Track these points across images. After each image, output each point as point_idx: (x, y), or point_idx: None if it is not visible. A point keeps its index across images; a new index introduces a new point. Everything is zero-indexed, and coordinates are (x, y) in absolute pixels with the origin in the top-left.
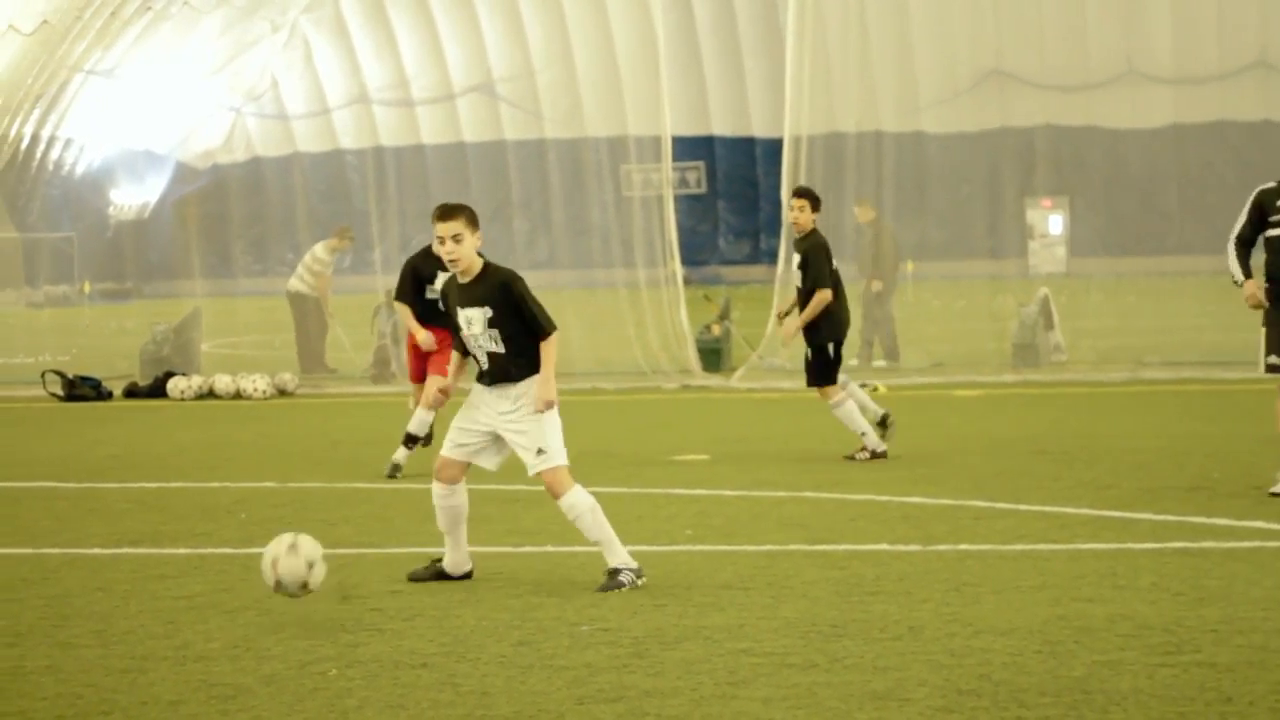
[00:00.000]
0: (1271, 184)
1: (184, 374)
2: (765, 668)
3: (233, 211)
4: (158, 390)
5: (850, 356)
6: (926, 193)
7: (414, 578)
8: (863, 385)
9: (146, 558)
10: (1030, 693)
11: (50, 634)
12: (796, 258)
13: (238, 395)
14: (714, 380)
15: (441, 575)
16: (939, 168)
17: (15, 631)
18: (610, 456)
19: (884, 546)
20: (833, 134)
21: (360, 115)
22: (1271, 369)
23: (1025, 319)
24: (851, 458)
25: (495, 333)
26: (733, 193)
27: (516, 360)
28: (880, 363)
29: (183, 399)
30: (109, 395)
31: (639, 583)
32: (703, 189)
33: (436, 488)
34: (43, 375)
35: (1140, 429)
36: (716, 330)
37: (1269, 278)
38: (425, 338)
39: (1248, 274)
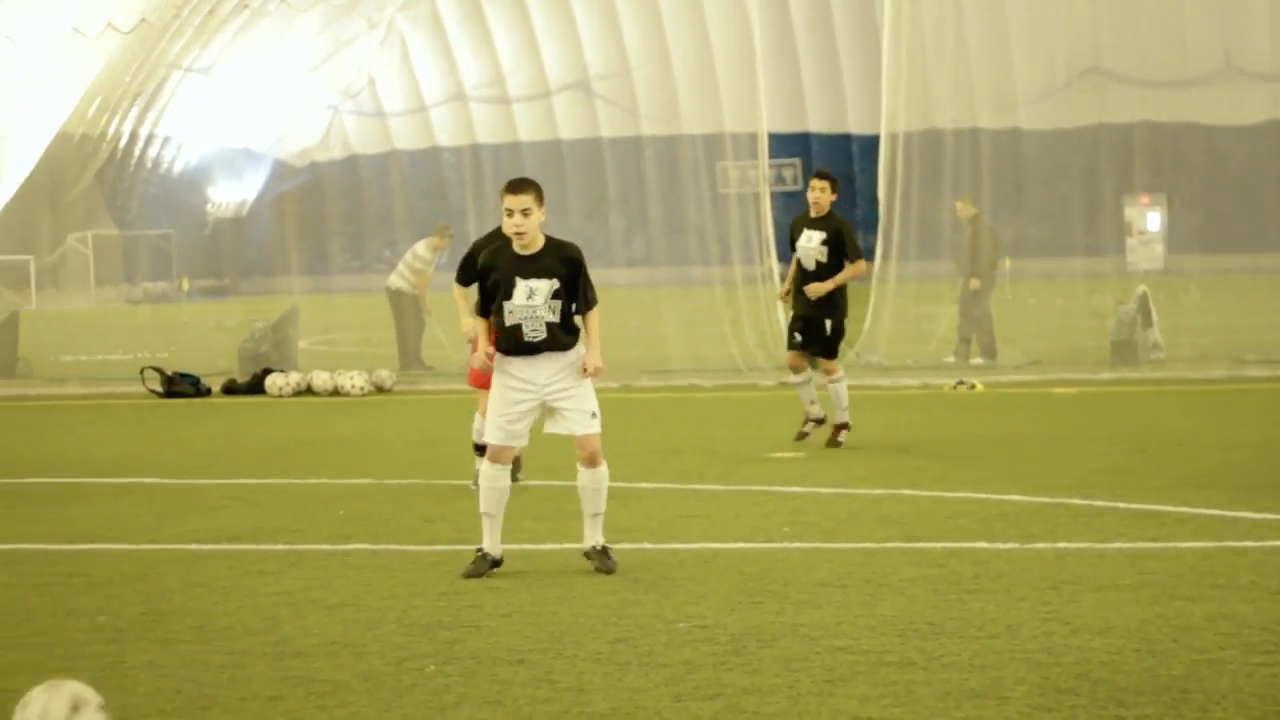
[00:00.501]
0: None
1: (282, 371)
2: (862, 665)
3: (330, 209)
4: (256, 387)
5: (947, 354)
6: (1024, 190)
7: (471, 574)
8: (959, 383)
9: (245, 554)
10: (1129, 692)
11: (150, 630)
12: (818, 235)
13: (335, 392)
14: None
15: (496, 563)
16: (1036, 164)
17: (115, 627)
18: (707, 454)
19: (982, 544)
20: (929, 130)
21: (457, 112)
22: None
23: (1123, 316)
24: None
25: (557, 304)
26: None
27: (569, 330)
28: (977, 360)
29: (280, 396)
30: (207, 392)
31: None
32: (799, 185)
33: (489, 469)
34: (142, 372)
35: (1239, 427)
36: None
37: None
38: (469, 327)
39: None
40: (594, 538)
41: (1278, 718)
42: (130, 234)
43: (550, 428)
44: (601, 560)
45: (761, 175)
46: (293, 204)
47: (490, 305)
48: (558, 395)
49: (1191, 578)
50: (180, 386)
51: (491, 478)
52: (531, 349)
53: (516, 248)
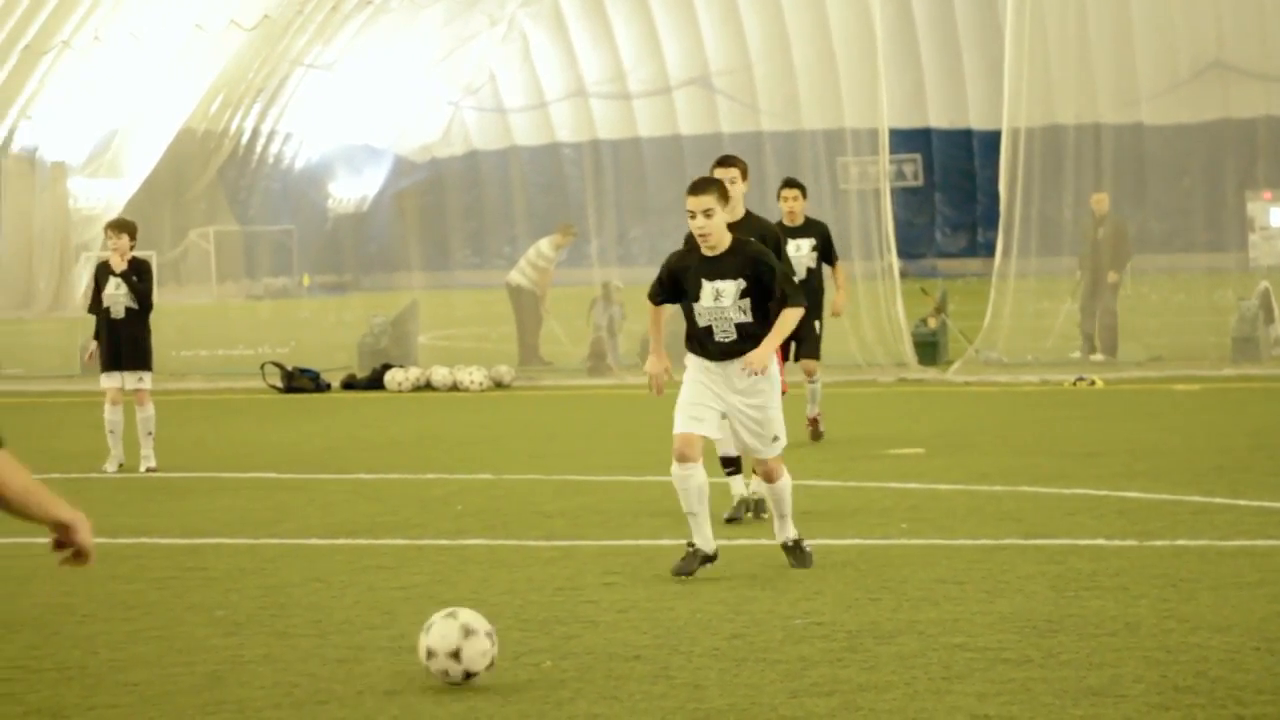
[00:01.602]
0: None
1: (401, 366)
2: (980, 663)
3: (450, 204)
4: (375, 382)
5: (1072, 350)
6: (1146, 185)
7: (681, 571)
8: (1079, 379)
9: (363, 548)
10: (1248, 690)
11: (268, 624)
12: (806, 242)
13: (454, 387)
14: (930, 373)
15: (708, 559)
16: (1158, 160)
17: (234, 621)
18: (826, 449)
19: (1100, 541)
20: (1051, 126)
21: (577, 108)
22: None
23: (1245, 312)
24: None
25: (746, 303)
26: (949, 185)
27: (763, 329)
28: (1098, 356)
29: (400, 391)
30: (327, 387)
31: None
32: (919, 181)
33: (678, 469)
34: (262, 367)
35: None
36: (933, 323)
37: None
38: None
39: None
40: (783, 534)
41: None
42: (252, 230)
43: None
44: (794, 556)
45: (882, 171)
46: (413, 200)
47: (682, 308)
48: (745, 414)
49: None
50: (300, 382)
51: (682, 477)
52: (724, 353)
53: (704, 249)
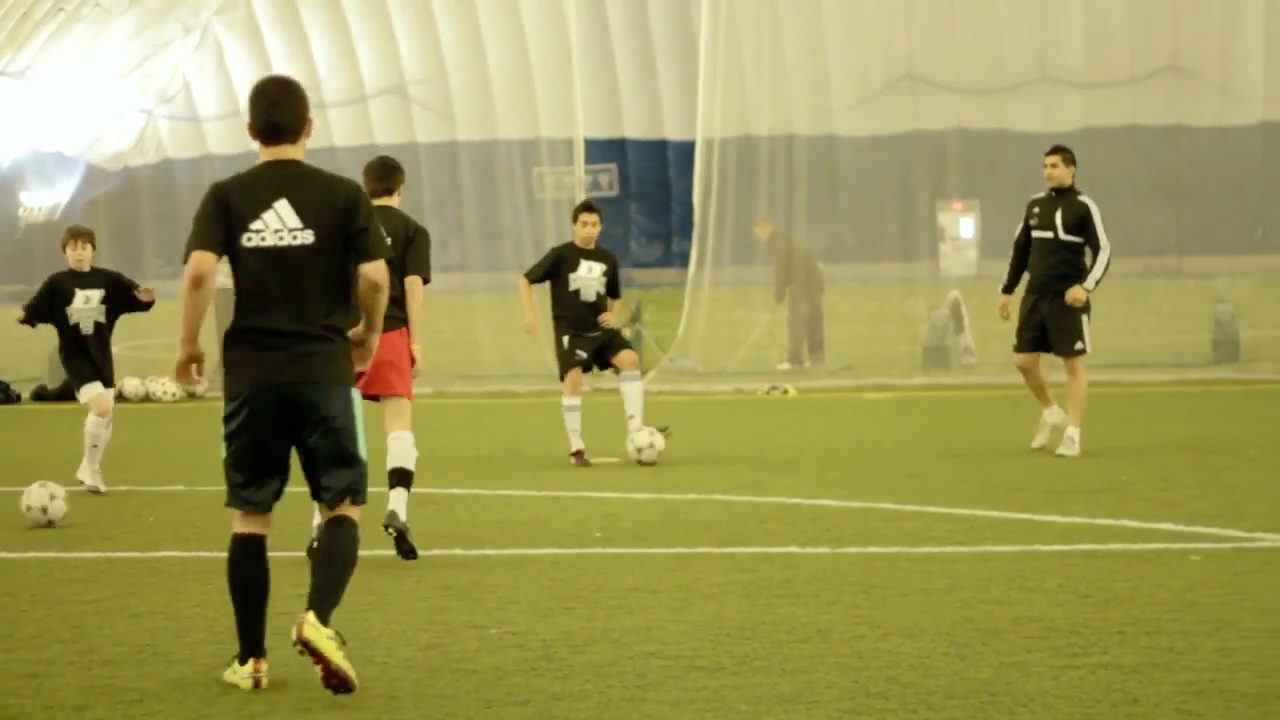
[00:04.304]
0: None
1: None
2: (673, 670)
3: (144, 213)
4: (67, 393)
5: (783, 360)
6: (838, 195)
7: None
8: (772, 389)
9: (53, 562)
10: (938, 695)
11: None
12: (599, 266)
13: (146, 398)
14: None
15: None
16: (851, 170)
17: None
18: (520, 459)
19: (793, 549)
20: (745, 137)
21: None
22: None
23: (935, 322)
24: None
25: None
26: (645, 195)
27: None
28: (784, 365)
29: None
30: (17, 398)
31: None
32: (615, 191)
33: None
34: None
35: None
36: (627, 333)
37: None
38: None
39: None
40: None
41: None
42: None
43: None
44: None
45: (578, 181)
46: (105, 208)
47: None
48: None
49: (1000, 581)
50: None
51: None
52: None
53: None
